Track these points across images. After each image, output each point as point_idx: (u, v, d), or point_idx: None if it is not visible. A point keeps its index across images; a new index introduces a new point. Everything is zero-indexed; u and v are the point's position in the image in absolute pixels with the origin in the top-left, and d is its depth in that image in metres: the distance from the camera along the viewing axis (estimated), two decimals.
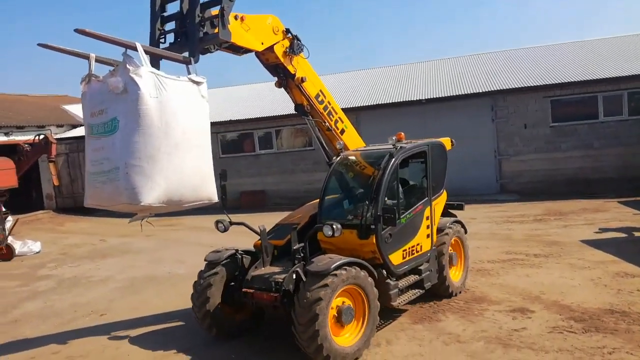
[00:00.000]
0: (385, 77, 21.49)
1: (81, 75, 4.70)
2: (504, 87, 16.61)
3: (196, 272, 6.28)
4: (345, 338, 5.35)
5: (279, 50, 6.26)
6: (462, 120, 16.72)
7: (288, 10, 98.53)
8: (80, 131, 21.83)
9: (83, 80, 4.65)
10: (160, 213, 4.86)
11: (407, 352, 5.54)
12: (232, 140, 20.12)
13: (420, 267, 6.51)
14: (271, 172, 19.26)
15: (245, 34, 5.67)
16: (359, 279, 5.34)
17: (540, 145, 16.44)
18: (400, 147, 6.32)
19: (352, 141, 7.38)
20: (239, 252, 6.26)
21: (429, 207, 6.67)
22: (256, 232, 6.20)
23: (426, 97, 17.21)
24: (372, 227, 5.74)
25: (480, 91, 16.78)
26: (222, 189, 6.12)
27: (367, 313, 5.48)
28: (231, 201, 18.68)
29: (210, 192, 4.88)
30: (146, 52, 4.51)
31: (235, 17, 5.46)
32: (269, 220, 7.27)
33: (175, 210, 4.92)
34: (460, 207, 7.80)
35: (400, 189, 6.41)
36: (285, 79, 6.65)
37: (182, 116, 4.47)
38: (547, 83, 16.19)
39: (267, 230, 6.26)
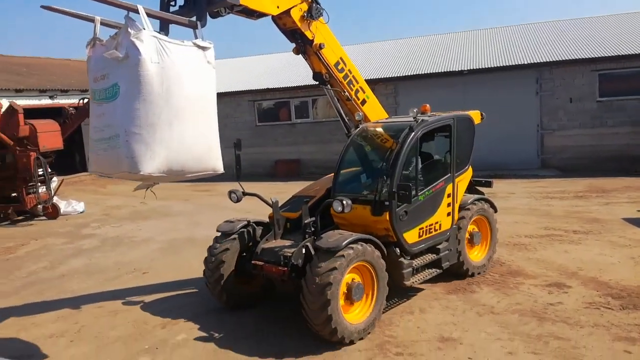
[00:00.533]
0: (424, 47, 20.85)
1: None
2: (551, 59, 15.97)
3: None
4: (355, 314, 5.25)
5: (296, 14, 5.86)
6: (504, 93, 16.22)
7: None
8: None
9: (88, 44, 4.40)
10: (166, 182, 4.65)
11: (440, 320, 5.58)
12: (268, 109, 20.16)
13: (439, 246, 6.24)
14: (307, 142, 19.25)
15: None
16: (368, 254, 5.19)
17: (585, 121, 15.84)
18: (422, 120, 5.97)
19: (374, 112, 7.05)
20: (252, 222, 6.16)
21: (451, 184, 6.33)
22: (269, 204, 6.07)
23: (468, 68, 16.74)
24: (387, 203, 5.52)
25: (526, 62, 16.18)
26: (236, 159, 6.03)
27: (376, 289, 5.36)
28: (266, 169, 19.09)
29: (215, 162, 4.60)
30: (150, 15, 4.28)
31: None
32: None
33: (178, 180, 4.71)
34: (489, 184, 7.38)
35: (420, 164, 6.13)
36: (303, 45, 6.29)
37: (185, 83, 4.24)
38: (597, 56, 15.47)
39: (281, 203, 6.10)
